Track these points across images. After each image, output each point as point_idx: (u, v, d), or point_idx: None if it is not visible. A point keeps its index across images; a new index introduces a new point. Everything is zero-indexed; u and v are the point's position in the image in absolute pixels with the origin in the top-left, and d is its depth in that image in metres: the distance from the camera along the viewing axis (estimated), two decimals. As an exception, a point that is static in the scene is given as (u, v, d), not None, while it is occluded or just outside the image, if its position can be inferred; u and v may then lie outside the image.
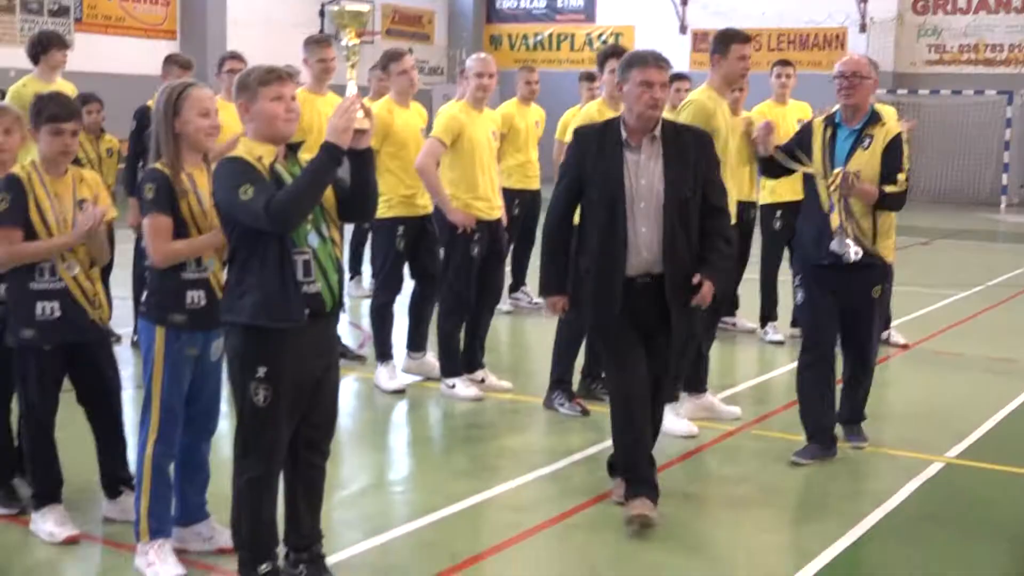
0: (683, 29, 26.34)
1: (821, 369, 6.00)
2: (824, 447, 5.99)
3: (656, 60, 5.09)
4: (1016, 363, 8.61)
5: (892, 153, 5.85)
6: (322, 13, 24.21)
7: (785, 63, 9.09)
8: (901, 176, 5.83)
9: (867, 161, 5.82)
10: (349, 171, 4.02)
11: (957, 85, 23.29)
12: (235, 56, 8.05)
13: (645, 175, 4.98)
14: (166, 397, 4.35)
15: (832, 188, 5.77)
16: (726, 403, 6.94)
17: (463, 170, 7.03)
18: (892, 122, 5.99)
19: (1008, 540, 5.10)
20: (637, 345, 5.06)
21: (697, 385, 6.75)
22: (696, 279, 4.91)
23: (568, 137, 7.76)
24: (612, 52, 6.92)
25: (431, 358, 7.63)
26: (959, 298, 11.42)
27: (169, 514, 4.48)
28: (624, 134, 5.04)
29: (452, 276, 7.11)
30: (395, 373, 7.35)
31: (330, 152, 3.83)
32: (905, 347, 8.81)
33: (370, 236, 8.22)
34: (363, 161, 4.04)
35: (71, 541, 4.70)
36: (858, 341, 6.10)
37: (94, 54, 19.25)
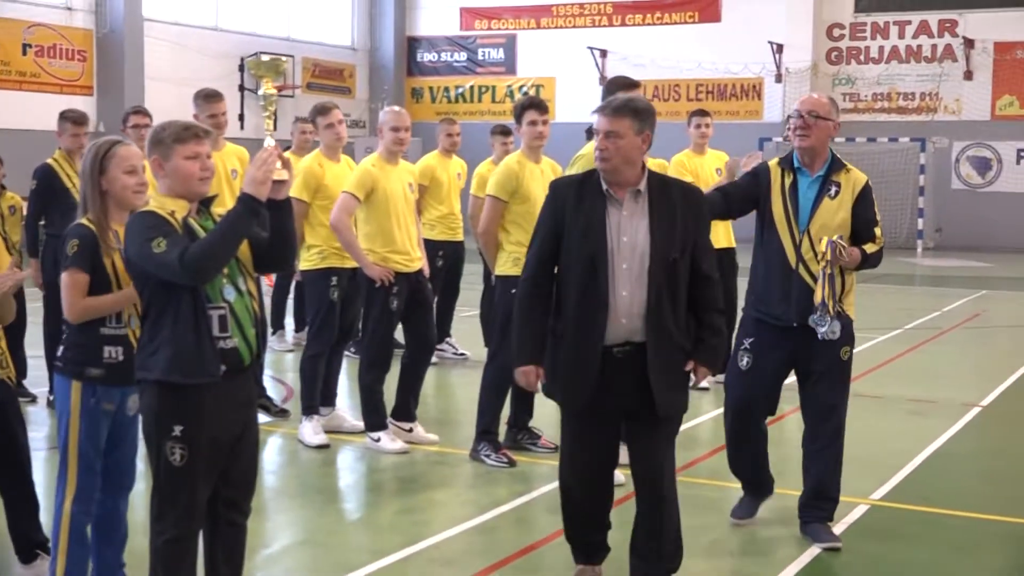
0: (603, 80, 26.68)
1: (752, 446, 5.63)
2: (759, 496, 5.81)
3: (604, 107, 4.56)
4: (936, 404, 8.77)
5: (864, 204, 5.38)
6: (241, 67, 24.13)
7: (703, 113, 9.24)
8: (877, 231, 5.40)
9: (835, 212, 5.33)
10: (269, 222, 3.98)
11: (872, 133, 23.87)
12: (139, 111, 8.01)
13: (628, 232, 4.41)
14: (83, 453, 4.28)
15: (821, 261, 5.23)
16: None
17: (379, 224, 6.98)
18: (856, 169, 5.48)
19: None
20: (604, 427, 4.57)
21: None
22: (690, 365, 4.48)
23: (482, 191, 7.87)
24: (529, 104, 6.96)
25: (340, 412, 7.64)
26: (879, 341, 11.62)
27: (84, 571, 4.38)
28: (605, 186, 4.47)
29: (372, 329, 7.08)
30: (319, 428, 7.27)
31: (247, 204, 3.78)
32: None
33: (304, 288, 8.18)
34: (282, 211, 4.01)
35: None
36: (826, 405, 5.43)
37: (9, 111, 19.06)
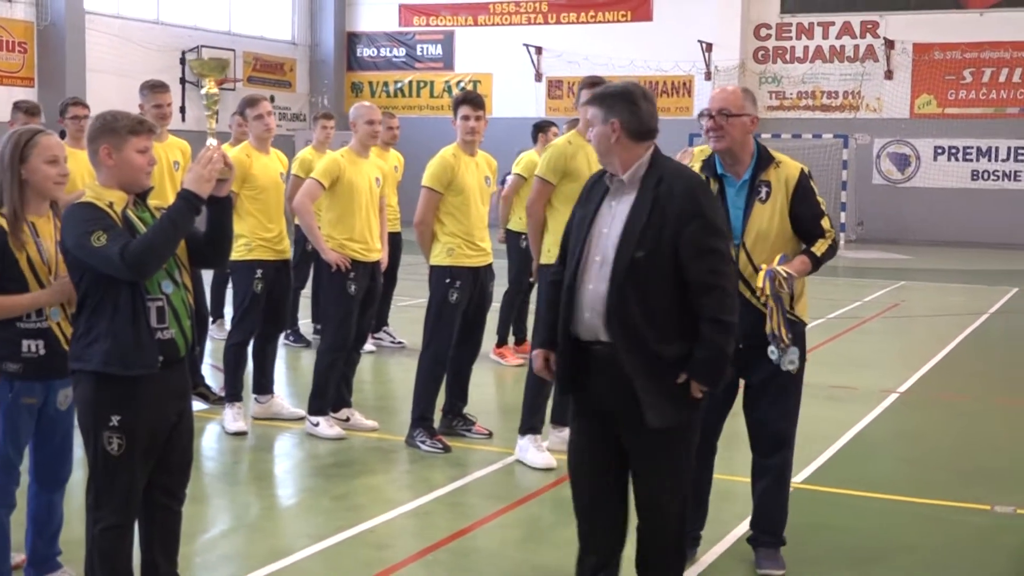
0: (538, 77, 26.99)
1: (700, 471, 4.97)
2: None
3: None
4: (856, 390, 9.03)
5: (803, 200, 4.83)
6: (183, 61, 24.02)
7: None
8: (824, 223, 4.87)
9: (769, 217, 4.81)
10: (206, 218, 4.04)
11: (797, 129, 24.32)
12: (78, 102, 8.01)
13: (607, 224, 4.11)
14: (2, 448, 4.26)
15: (761, 296, 4.73)
16: None
17: (339, 212, 7.13)
18: (789, 160, 4.90)
19: (855, 564, 5.28)
20: (597, 428, 4.20)
21: (563, 417, 6.84)
22: (682, 378, 4.00)
23: (303, 173, 8.35)
24: (464, 99, 7.07)
25: (279, 400, 7.75)
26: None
27: (8, 566, 4.40)
28: (609, 179, 4.17)
29: (331, 314, 7.20)
30: (240, 415, 7.38)
31: (189, 200, 3.84)
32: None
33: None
34: (221, 208, 4.06)
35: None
36: (774, 419, 5.01)
37: (-52, 102, 18.81)
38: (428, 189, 6.91)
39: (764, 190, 4.81)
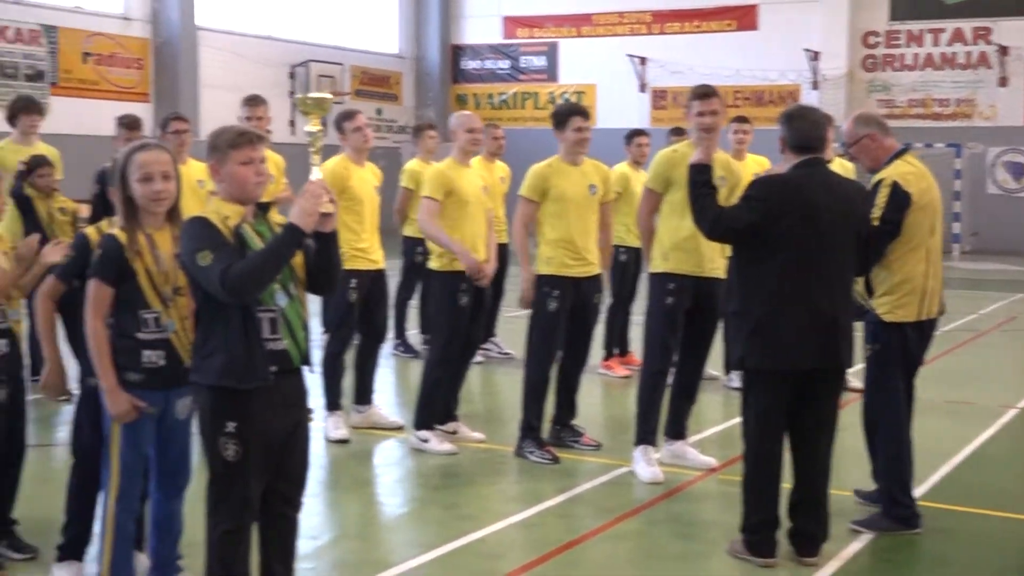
0: (642, 87, 26.89)
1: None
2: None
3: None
4: (974, 405, 8.81)
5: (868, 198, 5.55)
6: (292, 75, 24.54)
7: (742, 119, 9.29)
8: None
9: None
10: (314, 252, 4.08)
11: (907, 138, 23.43)
12: (178, 117, 8.12)
13: None
14: (123, 456, 4.34)
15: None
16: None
17: (450, 222, 7.08)
18: (893, 168, 5.64)
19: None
20: None
21: (676, 430, 6.86)
22: None
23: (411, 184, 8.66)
24: (576, 110, 7.08)
25: (377, 409, 7.82)
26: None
27: (131, 568, 4.49)
28: None
29: (444, 326, 7.15)
30: (341, 423, 7.48)
31: (293, 233, 3.87)
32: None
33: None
34: (327, 243, 4.09)
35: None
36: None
37: (71, 117, 19.39)
38: (522, 198, 6.96)
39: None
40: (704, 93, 6.45)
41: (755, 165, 9.12)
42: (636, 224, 6.85)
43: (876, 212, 5.46)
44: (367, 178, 7.51)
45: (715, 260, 6.53)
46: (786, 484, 5.31)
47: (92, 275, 4.28)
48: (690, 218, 5.58)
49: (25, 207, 8.11)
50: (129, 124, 8.31)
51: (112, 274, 4.24)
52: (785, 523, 5.30)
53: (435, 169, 7.32)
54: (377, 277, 7.55)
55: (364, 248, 7.41)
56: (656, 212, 6.64)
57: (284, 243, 3.88)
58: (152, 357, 4.29)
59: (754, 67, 25.18)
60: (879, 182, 5.58)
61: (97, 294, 4.26)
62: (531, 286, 6.93)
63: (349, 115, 7.55)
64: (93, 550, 4.81)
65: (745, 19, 25.93)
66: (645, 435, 6.66)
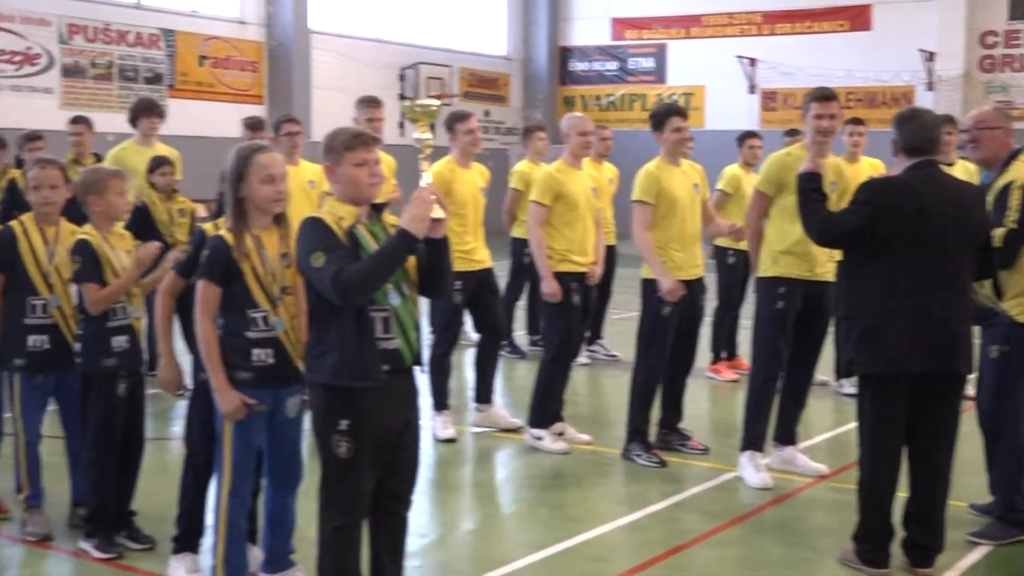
0: (752, 89, 26.57)
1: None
2: None
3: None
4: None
5: (998, 201, 5.45)
6: (402, 77, 24.87)
7: (857, 121, 9.12)
8: (998, 231, 5.31)
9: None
10: (425, 257, 4.11)
11: (1024, 141, 23.10)
12: (291, 119, 8.26)
13: None
14: (235, 452, 4.42)
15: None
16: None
17: (560, 224, 7.11)
18: (1017, 170, 5.52)
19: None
20: None
21: (785, 435, 6.78)
22: None
23: (520, 185, 8.38)
24: (674, 111, 7.05)
25: (498, 409, 7.84)
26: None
27: (244, 561, 4.58)
28: None
29: (558, 326, 7.16)
30: (448, 422, 7.53)
31: (405, 239, 3.91)
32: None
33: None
34: (438, 249, 4.12)
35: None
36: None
37: (187, 119, 19.89)
38: (638, 203, 6.88)
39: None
40: (824, 96, 6.37)
41: (869, 168, 8.95)
42: (745, 226, 6.74)
43: (1012, 215, 5.33)
44: (472, 179, 7.55)
45: (825, 264, 6.42)
46: (903, 493, 5.21)
47: (200, 276, 4.37)
48: (800, 223, 5.51)
49: (142, 215, 7.86)
50: (252, 125, 8.55)
51: (219, 274, 4.33)
52: (899, 533, 5.19)
53: (545, 172, 7.33)
54: (485, 276, 7.57)
55: (468, 250, 7.44)
56: (765, 215, 6.56)
57: (396, 249, 3.92)
58: (261, 355, 4.37)
59: (867, 68, 24.68)
60: (1008, 184, 5.43)
61: (205, 294, 4.35)
62: (673, 287, 6.80)
63: (462, 116, 7.57)
64: (208, 541, 4.92)
65: (858, 19, 25.41)
66: (753, 440, 6.59)
